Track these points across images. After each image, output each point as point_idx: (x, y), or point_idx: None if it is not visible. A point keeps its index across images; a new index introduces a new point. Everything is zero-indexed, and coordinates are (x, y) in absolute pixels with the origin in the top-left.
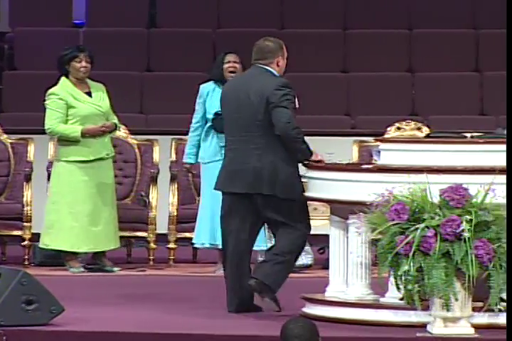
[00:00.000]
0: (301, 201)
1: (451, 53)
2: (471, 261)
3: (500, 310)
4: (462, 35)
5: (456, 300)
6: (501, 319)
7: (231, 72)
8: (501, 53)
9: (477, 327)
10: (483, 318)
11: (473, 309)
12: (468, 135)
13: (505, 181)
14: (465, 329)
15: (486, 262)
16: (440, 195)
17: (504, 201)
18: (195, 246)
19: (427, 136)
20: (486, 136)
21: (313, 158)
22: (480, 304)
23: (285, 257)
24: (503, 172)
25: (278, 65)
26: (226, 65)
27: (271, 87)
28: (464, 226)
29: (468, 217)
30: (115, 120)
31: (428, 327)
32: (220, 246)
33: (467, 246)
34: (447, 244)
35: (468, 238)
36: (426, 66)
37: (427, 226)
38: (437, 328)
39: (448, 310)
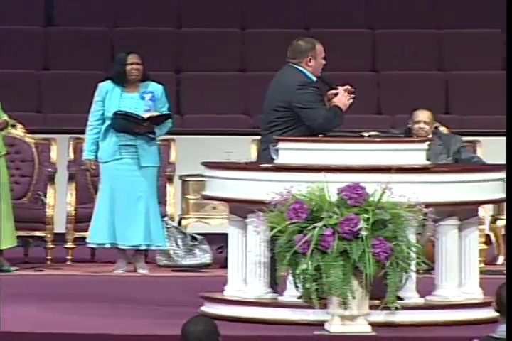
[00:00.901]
0: None
1: (349, 53)
2: (369, 259)
3: (396, 308)
4: (359, 34)
5: (354, 298)
6: (398, 317)
7: (134, 74)
8: (397, 53)
9: (374, 325)
10: (380, 316)
11: (371, 307)
12: (366, 134)
13: (401, 180)
14: (362, 327)
15: (383, 260)
16: (338, 194)
17: (400, 199)
18: (90, 245)
19: (325, 135)
20: (383, 135)
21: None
22: (377, 302)
23: None
24: (400, 171)
25: (308, 65)
26: (129, 67)
27: (292, 88)
28: (362, 224)
29: (366, 216)
30: (5, 117)
31: (326, 326)
32: (120, 246)
33: (365, 245)
34: (345, 243)
35: (366, 236)
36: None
37: (325, 225)
38: (335, 326)
39: (345, 309)
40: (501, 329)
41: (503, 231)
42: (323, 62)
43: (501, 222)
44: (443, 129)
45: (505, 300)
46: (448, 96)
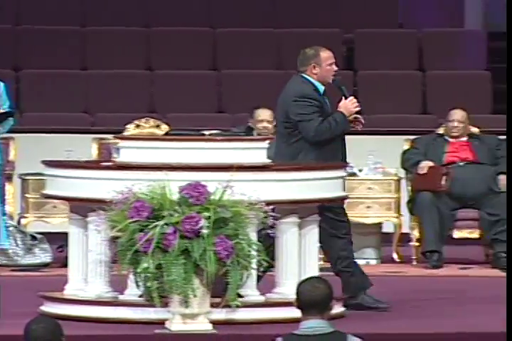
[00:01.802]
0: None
1: (190, 51)
2: (210, 257)
3: (237, 306)
4: (199, 33)
5: (195, 296)
6: (238, 314)
7: None
8: (238, 52)
9: (215, 323)
10: (221, 314)
11: (212, 305)
12: (207, 132)
13: (242, 178)
14: (203, 325)
15: (225, 258)
16: (179, 192)
17: (241, 198)
18: None
19: (166, 133)
20: (224, 133)
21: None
22: (218, 300)
23: None
24: (241, 170)
25: (313, 72)
26: None
27: (289, 100)
28: (203, 223)
29: (207, 214)
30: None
31: (167, 324)
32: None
33: (206, 243)
34: (186, 241)
35: (207, 235)
36: (165, 64)
37: (167, 224)
38: (176, 325)
39: (186, 307)
40: (303, 326)
41: None
42: (333, 68)
43: None
44: None
45: (304, 296)
46: None
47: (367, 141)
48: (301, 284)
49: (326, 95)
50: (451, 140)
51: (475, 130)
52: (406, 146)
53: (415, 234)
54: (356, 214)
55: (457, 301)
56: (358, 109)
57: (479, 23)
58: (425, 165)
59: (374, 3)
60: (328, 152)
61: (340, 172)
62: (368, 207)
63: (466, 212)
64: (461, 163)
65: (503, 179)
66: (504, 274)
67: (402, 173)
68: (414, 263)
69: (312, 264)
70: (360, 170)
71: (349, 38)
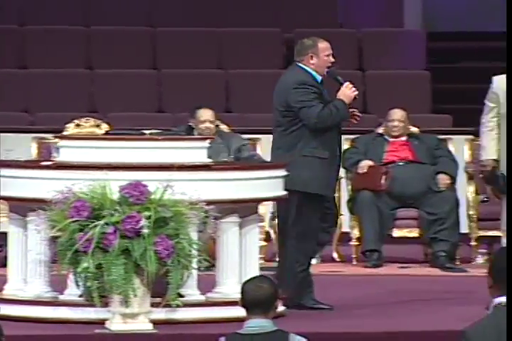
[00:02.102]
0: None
1: (130, 51)
2: (150, 257)
3: (178, 305)
4: (139, 32)
5: (135, 296)
6: (179, 314)
7: None
8: (178, 51)
9: (156, 323)
10: (161, 314)
11: (152, 305)
12: (147, 132)
13: (182, 177)
14: (143, 325)
15: (165, 258)
16: (120, 192)
17: (182, 197)
18: None
19: (107, 133)
20: (164, 132)
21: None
22: (159, 300)
23: None
24: (181, 169)
25: (310, 62)
26: None
27: (289, 88)
28: (144, 222)
29: (148, 214)
30: None
31: (107, 324)
32: None
33: (146, 243)
34: (127, 241)
35: (148, 234)
36: (105, 63)
37: (107, 223)
38: (116, 324)
39: (127, 307)
40: (247, 325)
41: None
42: (330, 59)
43: None
44: (224, 127)
45: (248, 295)
46: (228, 95)
47: None
48: (246, 283)
49: (323, 86)
50: (390, 139)
51: (415, 129)
52: (346, 146)
53: (355, 233)
54: None
55: (396, 300)
56: (356, 93)
57: (418, 23)
58: (365, 165)
59: (314, 3)
60: (327, 141)
61: (281, 172)
62: None
63: (405, 211)
64: (401, 163)
65: (441, 178)
66: (443, 273)
67: (342, 172)
68: (354, 262)
69: (253, 263)
70: None
71: (289, 37)
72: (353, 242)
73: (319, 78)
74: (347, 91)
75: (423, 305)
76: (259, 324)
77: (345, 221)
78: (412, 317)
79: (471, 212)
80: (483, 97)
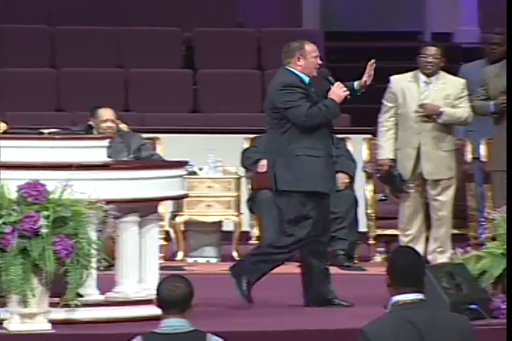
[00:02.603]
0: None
1: (29, 49)
2: (49, 257)
3: (77, 305)
4: (38, 31)
5: (34, 296)
6: (78, 314)
7: None
8: (77, 50)
9: (54, 323)
10: (60, 314)
11: (51, 305)
12: (46, 131)
13: (82, 177)
14: (42, 325)
15: (64, 258)
16: (18, 191)
17: (81, 196)
18: None
19: (4, 132)
20: (63, 132)
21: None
22: (57, 299)
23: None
24: (80, 168)
25: (298, 64)
26: None
27: (275, 90)
28: (42, 222)
29: (46, 213)
30: None
31: (5, 324)
32: None
33: (45, 242)
34: (25, 241)
35: (47, 234)
36: (3, 61)
37: (5, 223)
38: (14, 324)
39: (25, 307)
40: (163, 325)
41: (182, 228)
42: (317, 61)
43: (181, 218)
44: (123, 127)
45: (164, 295)
46: (128, 94)
47: (207, 139)
48: (162, 283)
49: (313, 87)
50: None
51: None
52: (246, 145)
53: (255, 232)
54: (196, 213)
55: (294, 299)
56: (347, 93)
57: (317, 23)
58: (265, 164)
59: (213, 2)
60: (319, 140)
61: (181, 171)
62: (208, 205)
63: None
64: None
65: (340, 177)
66: (342, 271)
67: (242, 172)
68: None
69: (153, 263)
70: (200, 169)
71: (188, 36)
72: (253, 241)
73: (307, 79)
74: (338, 91)
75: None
76: (176, 323)
77: (245, 220)
78: (309, 316)
79: (369, 211)
80: (381, 97)
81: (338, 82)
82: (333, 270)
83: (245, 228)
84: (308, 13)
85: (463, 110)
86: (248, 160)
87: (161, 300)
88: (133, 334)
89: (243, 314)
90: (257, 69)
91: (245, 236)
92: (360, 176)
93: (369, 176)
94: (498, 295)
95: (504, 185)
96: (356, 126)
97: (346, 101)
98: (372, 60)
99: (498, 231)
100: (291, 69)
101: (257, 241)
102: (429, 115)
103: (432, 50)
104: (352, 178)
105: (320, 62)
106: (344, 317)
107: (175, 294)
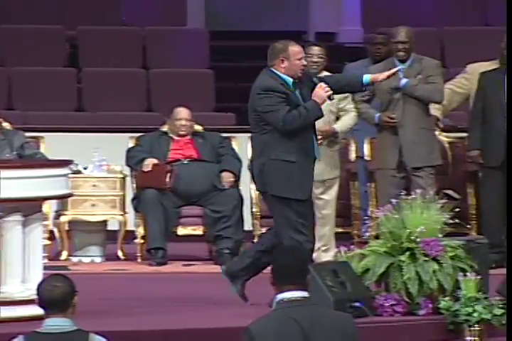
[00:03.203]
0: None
1: None
2: None
3: None
4: None
5: None
6: None
7: None
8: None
9: None
10: None
11: None
12: None
13: None
14: None
15: None
16: None
17: None
18: None
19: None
20: None
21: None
22: None
23: None
24: None
25: (281, 66)
26: None
27: (255, 93)
28: None
29: None
30: None
31: None
32: None
33: None
34: None
35: None
36: None
37: None
38: None
39: None
40: (45, 324)
41: (66, 227)
42: (302, 62)
43: (65, 218)
44: (6, 125)
45: (44, 295)
46: (11, 92)
47: (92, 138)
48: (41, 284)
49: (298, 89)
50: (175, 138)
51: (198, 128)
52: (131, 144)
53: (140, 231)
54: (81, 212)
55: (179, 297)
56: (330, 93)
57: (201, 22)
58: (150, 163)
59: (97, 1)
60: (296, 144)
61: (65, 170)
62: (93, 204)
63: (190, 209)
64: (186, 161)
65: (225, 176)
66: None
67: (127, 171)
68: (139, 260)
69: (37, 262)
70: (85, 168)
71: (72, 35)
72: (138, 240)
73: (291, 81)
74: (320, 92)
75: (206, 303)
76: (58, 323)
77: (130, 219)
78: (193, 314)
79: (254, 210)
80: None
81: (321, 83)
82: (219, 268)
83: (130, 227)
84: (192, 12)
85: (349, 118)
86: (133, 159)
87: (41, 300)
88: (16, 334)
89: (128, 313)
90: (142, 68)
91: (130, 236)
92: (245, 175)
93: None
94: (381, 293)
95: (387, 184)
96: (241, 125)
97: (234, 100)
98: (398, 68)
99: (382, 229)
100: (274, 70)
101: (142, 241)
102: (328, 137)
103: (315, 49)
104: (237, 177)
105: (305, 63)
106: (229, 315)
107: (54, 294)
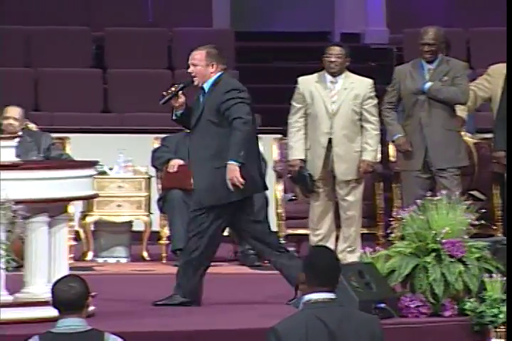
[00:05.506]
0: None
1: None
2: None
3: None
4: None
5: None
6: None
7: None
8: None
9: None
10: None
11: None
12: None
13: None
14: None
15: None
16: None
17: None
18: None
19: None
20: None
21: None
22: None
23: None
24: None
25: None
26: None
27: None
28: None
29: None
30: None
31: None
32: None
33: None
34: None
35: None
36: None
37: None
38: None
39: None
40: (59, 325)
41: (92, 228)
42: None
43: (90, 219)
44: (32, 126)
45: (59, 295)
46: (37, 93)
47: (117, 139)
48: (56, 284)
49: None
50: None
51: None
52: (156, 145)
53: (165, 232)
54: (107, 213)
55: (205, 298)
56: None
57: (227, 22)
58: (175, 164)
59: (124, 1)
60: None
61: (90, 171)
62: (119, 205)
63: None
64: None
65: None
66: (252, 271)
67: (152, 172)
68: (164, 261)
69: (62, 263)
70: (110, 169)
71: (99, 36)
72: (163, 241)
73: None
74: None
75: (230, 304)
76: (73, 323)
77: (156, 220)
78: (218, 316)
79: (279, 211)
80: (291, 97)
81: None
82: (244, 270)
83: (156, 228)
84: (218, 13)
85: (372, 142)
86: (158, 160)
87: (55, 301)
88: (32, 335)
89: (153, 314)
90: (167, 69)
91: (155, 236)
92: (270, 176)
93: (279, 176)
94: (407, 294)
95: (412, 184)
96: (267, 126)
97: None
98: None
99: (407, 230)
100: None
101: (167, 241)
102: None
103: (335, 49)
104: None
105: (190, 70)
106: (255, 316)
107: (70, 294)
